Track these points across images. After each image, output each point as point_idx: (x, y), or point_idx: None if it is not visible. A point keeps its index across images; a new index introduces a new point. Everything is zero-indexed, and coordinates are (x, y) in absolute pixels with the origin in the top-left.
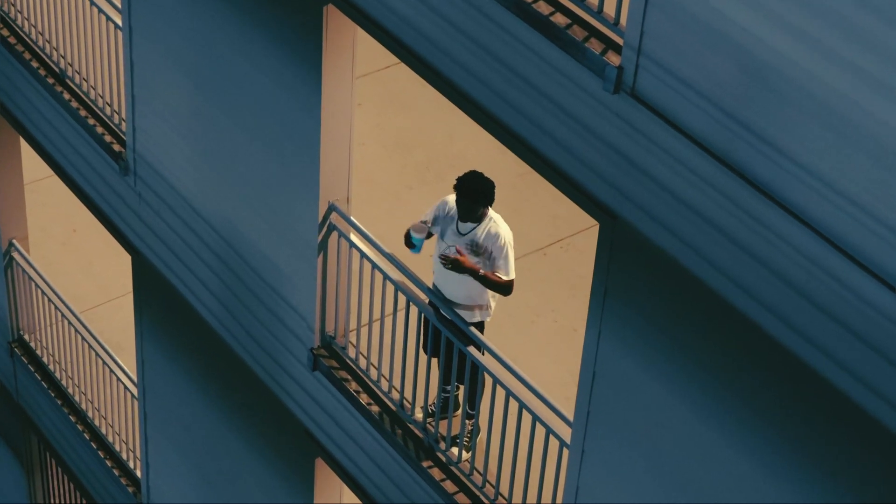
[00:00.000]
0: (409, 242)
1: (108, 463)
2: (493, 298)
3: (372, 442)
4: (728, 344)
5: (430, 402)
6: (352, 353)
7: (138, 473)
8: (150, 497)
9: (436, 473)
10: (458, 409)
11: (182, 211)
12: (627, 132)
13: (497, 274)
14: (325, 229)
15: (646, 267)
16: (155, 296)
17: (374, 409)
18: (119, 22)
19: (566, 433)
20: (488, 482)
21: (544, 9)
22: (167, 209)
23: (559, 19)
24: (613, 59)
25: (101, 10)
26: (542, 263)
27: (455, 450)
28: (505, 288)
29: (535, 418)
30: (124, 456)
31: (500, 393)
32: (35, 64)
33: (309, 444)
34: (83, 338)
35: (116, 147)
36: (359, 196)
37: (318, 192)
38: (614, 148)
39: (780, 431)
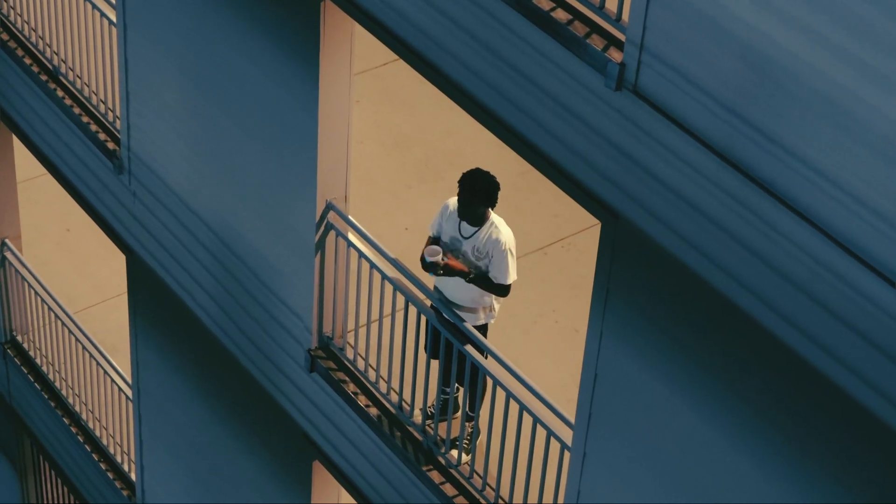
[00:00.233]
0: (426, 266)
1: (102, 465)
2: (496, 301)
3: (370, 444)
4: (731, 344)
5: (429, 404)
6: (350, 354)
7: (132, 476)
8: (145, 500)
9: (435, 476)
10: (457, 411)
11: (177, 210)
12: (629, 130)
13: (493, 276)
14: (322, 228)
15: (648, 266)
16: (150, 296)
17: (373, 411)
18: (113, 18)
19: (567, 435)
20: (488, 485)
21: (545, 4)
22: (162, 208)
23: (560, 15)
24: (615, 55)
25: (95, 7)
26: (543, 263)
27: (454, 452)
28: (500, 289)
29: (536, 420)
30: (118, 458)
31: (501, 394)
32: (28, 61)
33: (306, 446)
34: (77, 339)
35: (111, 145)
36: (357, 195)
37: (315, 190)
38: (616, 146)
39: (783, 432)
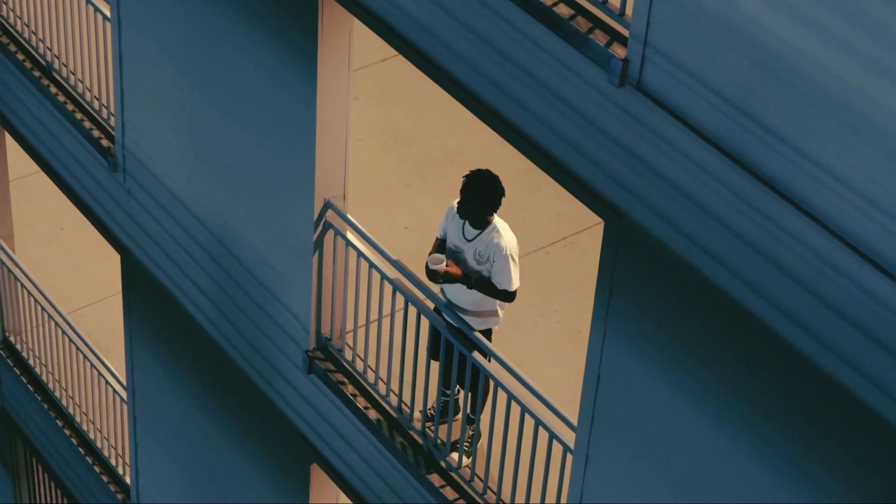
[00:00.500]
0: (428, 273)
1: (97, 468)
2: (500, 306)
3: (369, 447)
4: (736, 345)
5: (429, 406)
6: (348, 355)
7: (127, 479)
8: (140, 502)
9: (435, 479)
10: (457, 413)
11: (173, 208)
12: (633, 127)
13: (497, 282)
14: (320, 227)
15: (652, 266)
16: (145, 296)
17: (372, 413)
18: (107, 13)
19: (570, 437)
20: (489, 488)
21: None
22: (157, 206)
23: (562, 10)
24: (619, 51)
25: (88, 1)
26: (545, 262)
27: (455, 455)
28: (503, 295)
29: (538, 422)
30: (113, 461)
31: (502, 396)
32: (21, 56)
33: (304, 449)
34: (70, 339)
35: (105, 142)
36: (355, 193)
37: (313, 188)
38: (619, 143)
39: (788, 433)
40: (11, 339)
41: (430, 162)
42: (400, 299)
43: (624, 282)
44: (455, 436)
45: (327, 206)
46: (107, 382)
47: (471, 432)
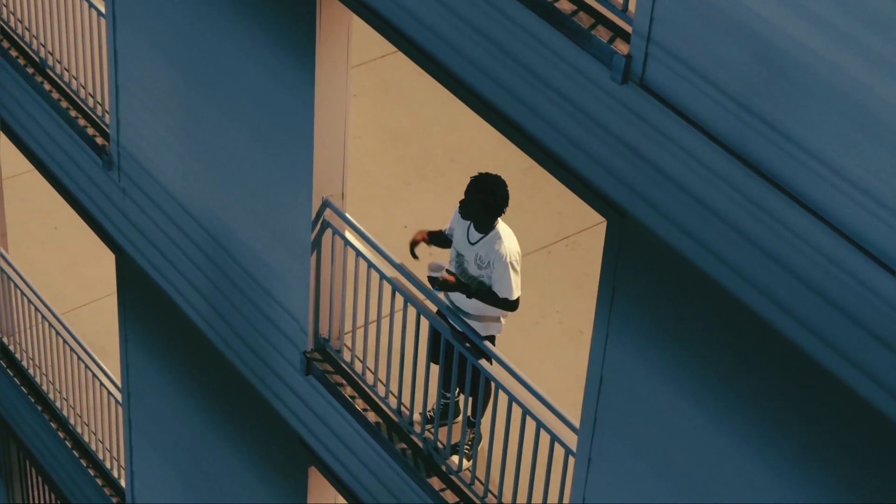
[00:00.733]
0: (430, 280)
1: (91, 472)
2: (502, 314)
3: (368, 449)
4: (740, 345)
5: (429, 408)
6: (347, 356)
7: (122, 483)
8: None
9: (435, 483)
10: (458, 416)
11: (169, 207)
12: (636, 124)
13: (497, 290)
14: (318, 226)
15: (655, 265)
16: (140, 296)
17: (371, 415)
18: (102, 9)
19: (572, 440)
20: (490, 492)
21: None
22: (153, 205)
23: (564, 6)
24: (621, 47)
25: None
26: (546, 262)
27: (455, 458)
28: (504, 304)
29: (540, 425)
30: (108, 464)
31: (503, 398)
32: (14, 53)
33: (302, 451)
34: (65, 340)
35: (100, 140)
36: (354, 192)
37: (311, 187)
38: (622, 141)
39: (794, 435)
40: (5, 340)
41: (430, 160)
42: (399, 299)
43: (626, 282)
44: (455, 438)
45: (325, 204)
46: (101, 384)
47: (471, 435)
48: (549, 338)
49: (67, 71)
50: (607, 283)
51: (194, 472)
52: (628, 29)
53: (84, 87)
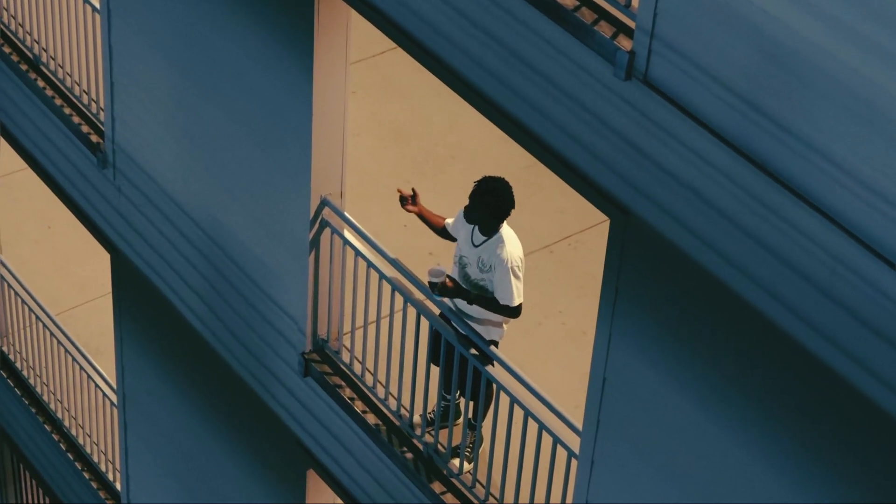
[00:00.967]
0: (430, 286)
1: (86, 475)
2: (505, 320)
3: (367, 452)
4: (746, 346)
5: (429, 410)
6: (346, 357)
7: (118, 486)
8: None
9: (436, 486)
10: (458, 418)
11: (164, 206)
12: (640, 121)
13: (499, 297)
14: (317, 225)
15: (659, 265)
16: (135, 297)
17: (370, 417)
18: (97, 4)
19: (575, 442)
20: (492, 495)
21: None
22: (148, 204)
23: (567, 1)
24: (624, 43)
25: None
26: (548, 262)
27: (456, 461)
28: (505, 311)
29: (542, 427)
30: (103, 467)
31: (505, 399)
32: (7, 49)
33: (300, 454)
34: (59, 342)
35: (94, 138)
36: (353, 190)
37: (309, 185)
38: (626, 138)
39: (801, 438)
40: None
41: (430, 158)
42: (399, 300)
43: (630, 281)
44: (456, 441)
45: (324, 203)
46: (96, 386)
47: (472, 437)
48: (551, 338)
49: (61, 67)
50: (610, 283)
51: (190, 474)
52: (632, 25)
53: (78, 84)
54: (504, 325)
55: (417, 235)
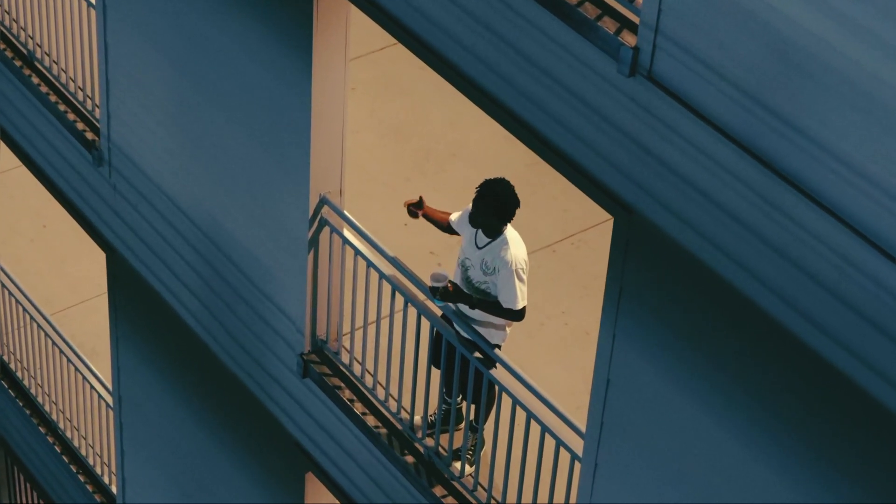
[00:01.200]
0: (431, 290)
1: (81, 478)
2: (508, 323)
3: (367, 455)
4: (752, 347)
5: (430, 412)
6: (345, 358)
7: (113, 489)
8: None
9: (437, 489)
10: (460, 422)
11: (161, 205)
12: (644, 118)
13: (502, 300)
14: (315, 224)
15: (663, 264)
16: (132, 297)
17: (370, 419)
18: (92, 0)
19: (578, 445)
20: (493, 499)
21: None
22: (145, 202)
23: None
24: (629, 38)
25: None
26: (551, 261)
27: (457, 464)
28: (509, 314)
29: (545, 429)
30: (98, 470)
31: (507, 401)
32: (2, 45)
33: (298, 457)
34: (54, 342)
35: (90, 135)
36: (352, 188)
37: (308, 184)
38: (630, 136)
39: (808, 441)
40: None
41: (431, 156)
42: (399, 300)
43: (634, 281)
44: (457, 444)
45: (323, 201)
46: (92, 387)
47: (474, 440)
48: (554, 339)
49: (56, 64)
50: (614, 283)
51: (187, 478)
52: (636, 20)
53: (73, 81)
54: (507, 328)
55: (418, 234)
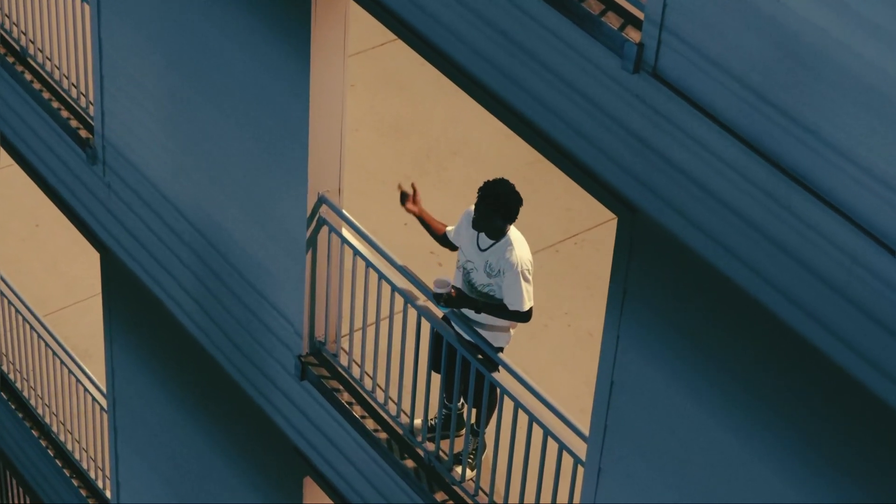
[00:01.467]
0: (434, 297)
1: (75, 482)
2: (512, 325)
3: (366, 459)
4: (759, 348)
5: (431, 416)
6: (344, 360)
7: (108, 493)
8: None
9: (437, 494)
10: (461, 427)
11: (156, 203)
12: (649, 116)
13: (508, 302)
14: (314, 224)
15: (668, 264)
16: (126, 297)
17: (369, 422)
18: None
19: (581, 449)
20: (495, 503)
21: None
22: (140, 201)
23: None
24: (633, 34)
25: None
26: (554, 261)
27: (458, 468)
28: (516, 316)
29: (547, 432)
30: (92, 474)
31: (509, 405)
32: None
33: (296, 460)
34: (47, 344)
35: (83, 133)
36: (351, 187)
37: (306, 182)
38: (634, 133)
39: (816, 443)
40: None
41: (431, 154)
42: (399, 301)
43: (638, 282)
44: (458, 447)
45: (321, 200)
46: (85, 390)
47: (475, 443)
48: (556, 341)
49: (50, 60)
50: (618, 283)
51: (183, 482)
52: (640, 15)
53: (67, 77)
54: (511, 330)
55: (418, 234)
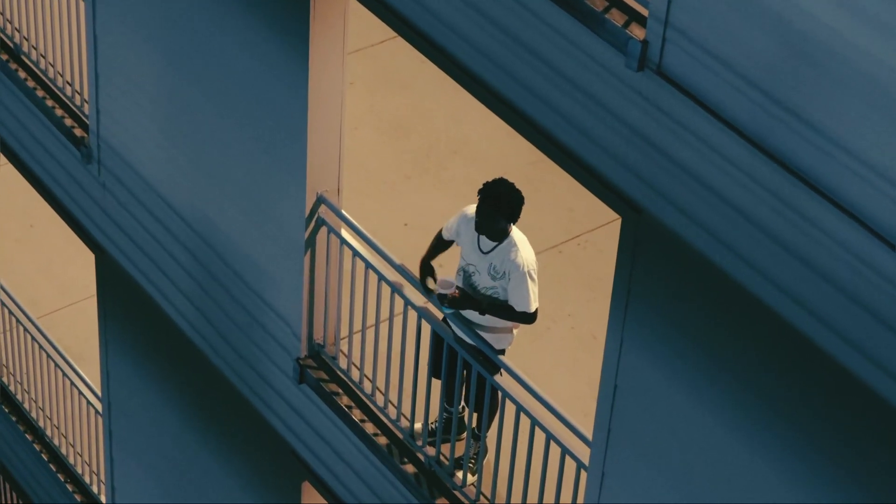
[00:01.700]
0: (439, 298)
1: (69, 487)
2: (515, 325)
3: (365, 463)
4: (764, 351)
5: (432, 419)
6: (343, 363)
7: (102, 498)
8: None
9: (438, 500)
10: (463, 431)
11: (152, 204)
12: (653, 114)
13: (514, 304)
14: (312, 224)
15: (673, 266)
16: (121, 299)
17: (368, 426)
18: None
19: (584, 453)
20: None
21: None
22: (135, 202)
23: None
24: (637, 32)
25: None
26: (557, 262)
27: (459, 473)
28: (522, 318)
29: (550, 436)
30: (87, 479)
31: (511, 408)
32: None
33: (295, 465)
34: (41, 346)
35: (78, 132)
36: (351, 187)
37: (304, 182)
38: (638, 132)
39: (822, 446)
40: None
41: (432, 153)
42: (399, 302)
43: (642, 283)
44: (459, 452)
45: (320, 200)
46: (80, 393)
47: (476, 448)
48: (560, 343)
49: (44, 57)
50: (622, 285)
51: (179, 487)
52: (644, 12)
53: (61, 75)
54: (514, 332)
55: (418, 235)
